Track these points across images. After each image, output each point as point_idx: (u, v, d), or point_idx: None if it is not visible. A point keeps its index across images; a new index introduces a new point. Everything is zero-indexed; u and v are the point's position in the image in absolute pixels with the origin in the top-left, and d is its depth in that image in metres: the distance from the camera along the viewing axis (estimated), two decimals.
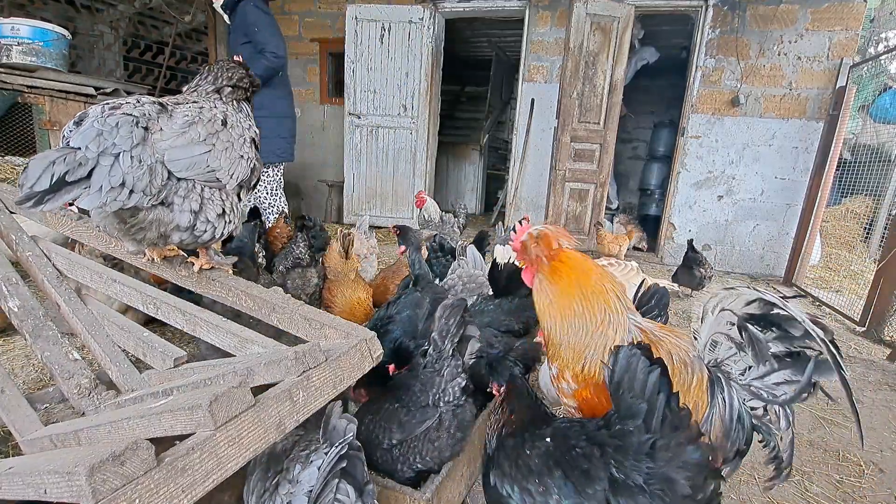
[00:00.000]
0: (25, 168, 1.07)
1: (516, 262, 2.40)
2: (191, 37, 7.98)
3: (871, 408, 2.64)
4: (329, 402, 1.16)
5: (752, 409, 1.21)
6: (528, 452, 1.20)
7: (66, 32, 4.59)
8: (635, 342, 1.26)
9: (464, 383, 1.43)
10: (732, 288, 1.24)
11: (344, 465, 1.05)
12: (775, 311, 1.15)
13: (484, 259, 2.70)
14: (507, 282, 2.44)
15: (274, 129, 3.93)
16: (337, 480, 1.04)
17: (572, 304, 1.38)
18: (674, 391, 1.03)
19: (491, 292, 2.48)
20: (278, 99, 4.03)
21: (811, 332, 1.09)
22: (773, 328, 1.16)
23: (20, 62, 4.17)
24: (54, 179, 1.06)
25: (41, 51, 4.29)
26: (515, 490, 1.17)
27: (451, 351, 1.43)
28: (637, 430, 1.04)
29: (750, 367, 1.21)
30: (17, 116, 4.32)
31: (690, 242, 4.41)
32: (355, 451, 1.08)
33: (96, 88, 4.68)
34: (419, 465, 1.44)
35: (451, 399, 1.42)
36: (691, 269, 4.16)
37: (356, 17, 6.41)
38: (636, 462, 1.03)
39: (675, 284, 4.31)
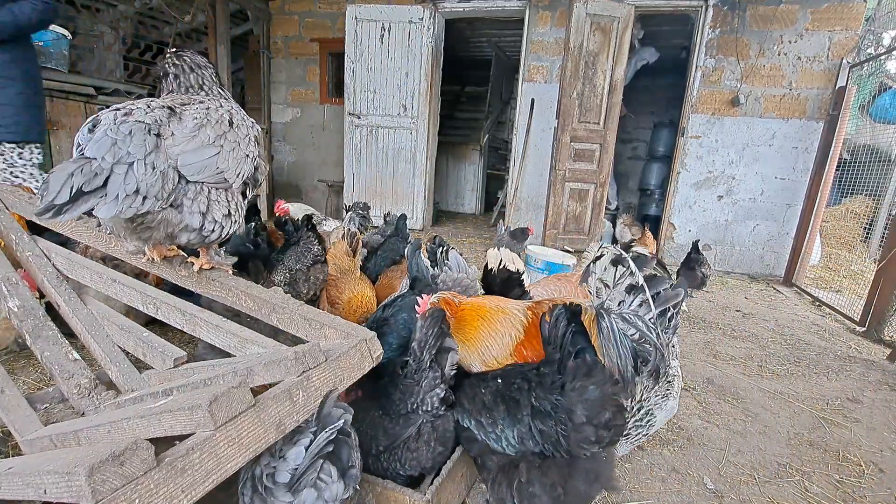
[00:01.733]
0: (45, 181, 1.10)
1: (507, 267, 2.45)
2: (191, 37, 7.97)
3: (871, 408, 2.64)
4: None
5: (631, 335, 1.53)
6: (482, 391, 1.48)
7: (66, 32, 4.59)
8: (569, 304, 1.55)
9: (443, 394, 1.45)
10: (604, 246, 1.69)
11: (331, 448, 1.10)
12: (618, 254, 1.60)
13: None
14: (501, 286, 2.43)
15: (31, 98, 2.96)
16: (322, 461, 1.10)
17: (479, 332, 1.70)
18: (589, 346, 1.39)
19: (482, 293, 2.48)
20: (30, 60, 3.01)
21: (633, 268, 1.55)
22: (620, 265, 1.60)
23: None
24: (73, 191, 1.09)
25: (41, 51, 4.28)
26: (472, 422, 1.45)
27: (429, 362, 1.45)
28: (551, 373, 1.37)
29: (621, 302, 1.57)
30: None
31: (696, 244, 4.44)
32: (345, 437, 1.14)
33: (96, 88, 4.68)
34: (401, 472, 1.47)
35: (429, 409, 1.44)
36: (694, 269, 4.25)
37: (356, 17, 6.41)
38: (549, 395, 1.34)
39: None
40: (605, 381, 1.30)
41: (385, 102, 6.68)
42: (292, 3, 7.23)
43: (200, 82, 1.63)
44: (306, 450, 1.08)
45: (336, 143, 7.30)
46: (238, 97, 8.43)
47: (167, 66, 1.61)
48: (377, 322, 2.12)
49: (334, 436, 1.10)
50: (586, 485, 1.32)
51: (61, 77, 4.39)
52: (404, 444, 1.45)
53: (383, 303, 2.26)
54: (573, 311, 1.45)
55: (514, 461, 1.38)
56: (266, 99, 7.65)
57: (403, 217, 3.78)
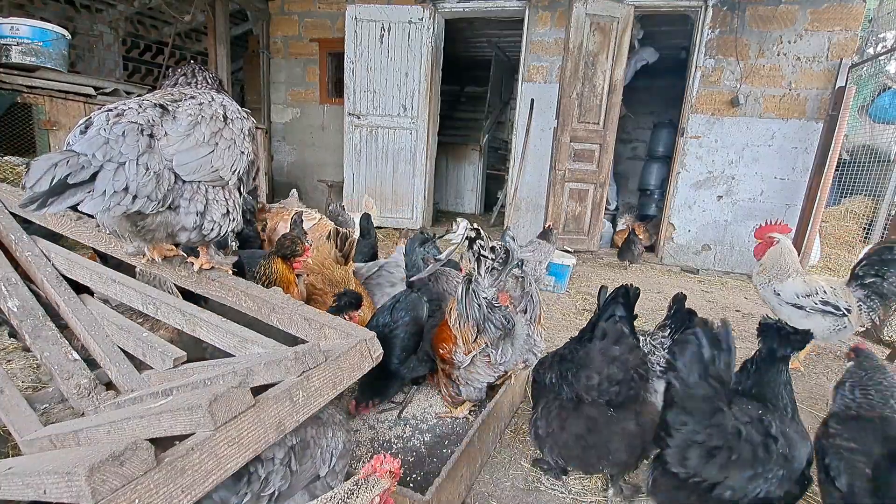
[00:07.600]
0: (28, 170, 1.07)
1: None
2: (190, 37, 7.98)
3: None
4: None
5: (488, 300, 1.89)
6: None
7: (65, 32, 4.58)
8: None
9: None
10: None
11: None
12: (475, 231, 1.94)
13: None
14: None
15: None
16: None
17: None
18: (626, 317, 1.77)
19: None
20: None
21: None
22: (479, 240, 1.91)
23: (20, 62, 4.16)
24: (55, 181, 1.06)
25: (41, 51, 4.28)
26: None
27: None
28: (587, 329, 1.74)
29: (492, 271, 1.87)
30: (16, 116, 4.29)
31: (632, 229, 5.85)
32: None
33: (96, 88, 4.67)
34: None
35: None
36: (630, 248, 5.59)
37: (356, 17, 6.41)
38: (576, 346, 1.73)
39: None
40: (629, 347, 1.60)
41: (385, 102, 6.68)
42: (292, 3, 7.23)
43: (189, 80, 1.61)
44: None
45: (336, 143, 7.30)
46: (238, 97, 8.43)
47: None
48: (385, 327, 2.05)
49: None
50: (622, 438, 1.57)
51: (61, 77, 4.38)
52: None
53: (382, 306, 2.21)
54: (626, 290, 1.76)
55: (552, 399, 1.71)
56: (266, 99, 7.64)
57: (367, 216, 3.83)
